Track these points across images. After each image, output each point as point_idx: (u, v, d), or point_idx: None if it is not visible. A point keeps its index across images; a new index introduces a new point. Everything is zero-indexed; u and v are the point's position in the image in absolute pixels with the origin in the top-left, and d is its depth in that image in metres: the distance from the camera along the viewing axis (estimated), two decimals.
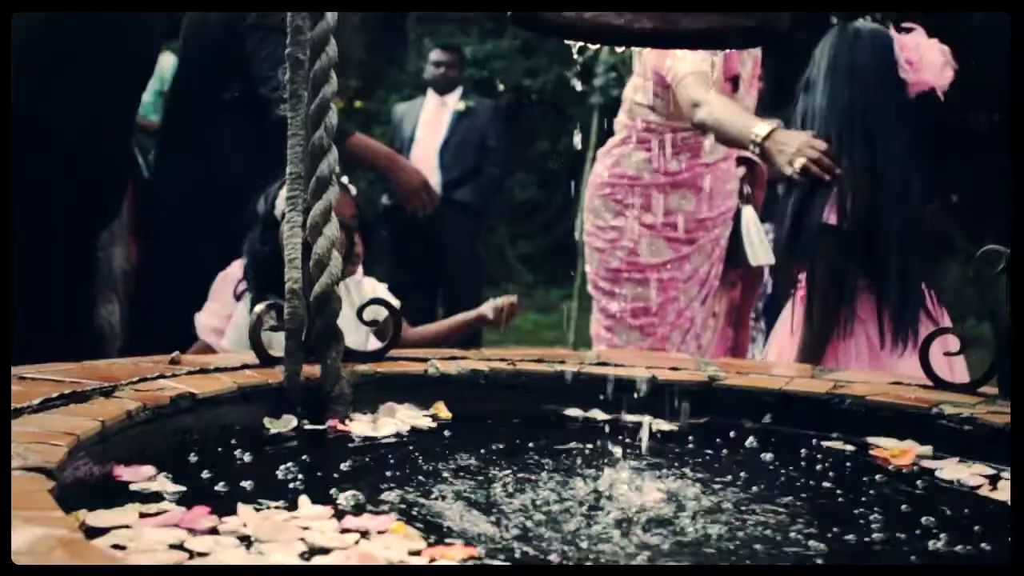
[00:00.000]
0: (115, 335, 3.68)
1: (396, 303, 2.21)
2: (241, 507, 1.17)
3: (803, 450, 1.67)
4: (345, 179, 2.26)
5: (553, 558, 1.09)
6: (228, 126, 3.36)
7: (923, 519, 1.32)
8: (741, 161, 3.41)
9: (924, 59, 2.60)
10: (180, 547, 1.07)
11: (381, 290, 2.23)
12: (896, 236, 2.62)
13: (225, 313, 2.74)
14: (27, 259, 2.70)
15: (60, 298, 3.00)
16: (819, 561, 1.15)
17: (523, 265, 10.02)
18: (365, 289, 2.22)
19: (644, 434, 1.57)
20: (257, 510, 1.18)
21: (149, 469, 1.34)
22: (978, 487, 1.50)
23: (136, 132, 3.91)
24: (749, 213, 3.36)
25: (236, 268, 2.78)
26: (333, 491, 1.29)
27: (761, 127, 2.76)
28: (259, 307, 1.78)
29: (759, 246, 3.36)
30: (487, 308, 2.26)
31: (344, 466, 1.46)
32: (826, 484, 1.50)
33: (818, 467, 1.59)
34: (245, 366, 1.78)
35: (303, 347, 1.72)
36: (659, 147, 3.22)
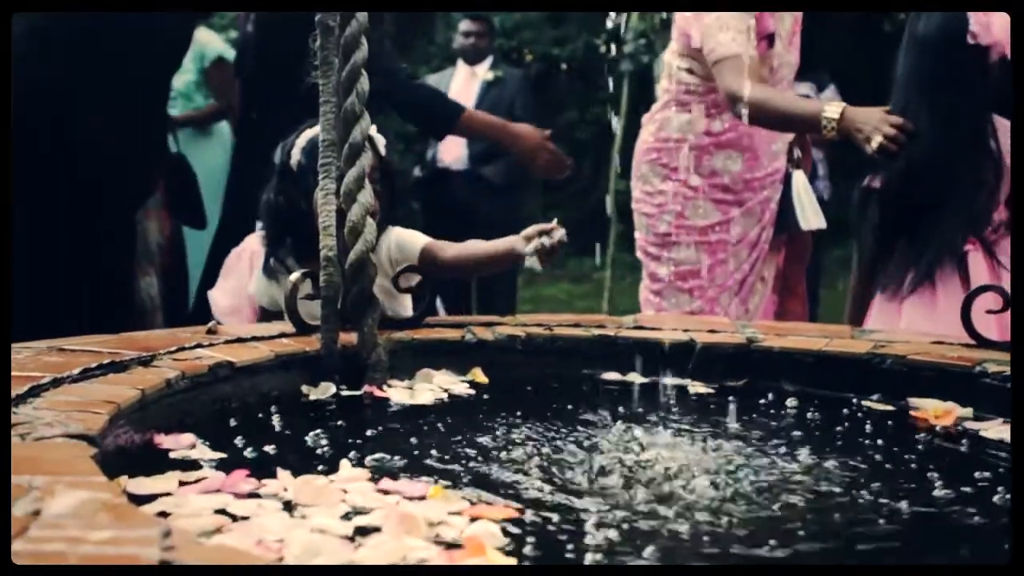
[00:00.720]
0: (155, 308, 3.72)
1: (426, 240, 2.18)
2: (280, 471, 1.17)
3: (844, 411, 1.65)
4: (374, 128, 2.23)
5: (592, 521, 1.08)
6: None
7: (976, 475, 1.30)
8: None
9: (995, 21, 2.56)
10: (224, 512, 1.07)
11: (412, 236, 2.20)
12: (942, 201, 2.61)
13: (239, 290, 2.72)
14: (72, 234, 2.72)
15: (105, 271, 3.02)
16: (882, 523, 1.13)
17: None
18: (394, 239, 2.19)
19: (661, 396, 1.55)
20: (296, 475, 1.17)
21: (189, 437, 1.34)
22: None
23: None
24: (799, 176, 3.29)
25: (249, 244, 2.77)
26: (371, 455, 1.29)
27: (831, 109, 2.74)
28: (294, 275, 1.78)
29: (809, 209, 3.31)
30: (517, 241, 2.03)
31: (381, 432, 1.46)
32: (872, 444, 1.48)
33: (862, 427, 1.57)
34: (282, 335, 1.78)
35: (339, 314, 1.72)
36: (700, 108, 3.20)
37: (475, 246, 2.12)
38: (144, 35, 2.97)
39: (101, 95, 2.90)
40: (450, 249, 2.14)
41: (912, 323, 2.52)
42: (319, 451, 1.33)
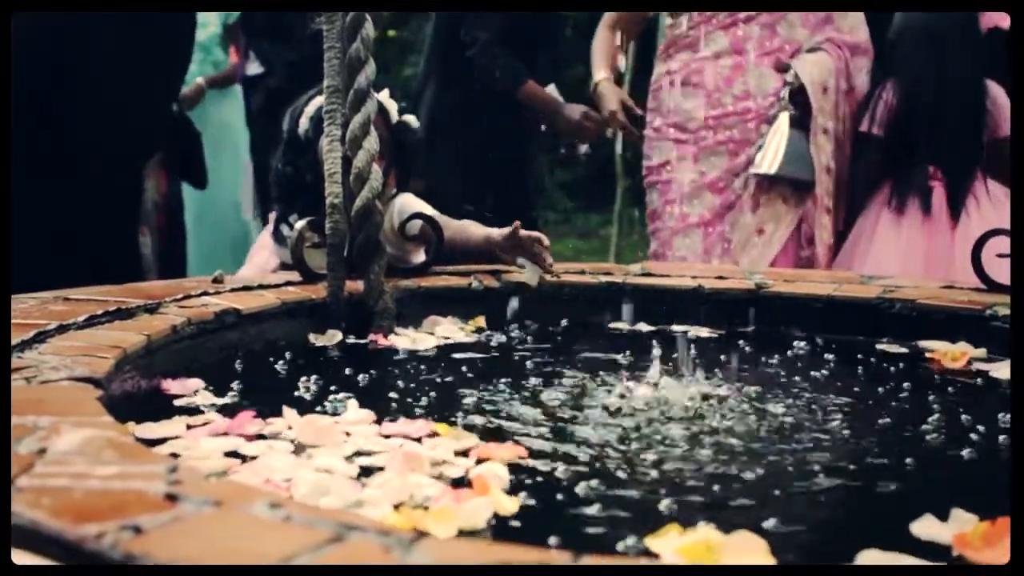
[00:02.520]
0: (150, 267, 3.74)
1: (432, 211, 2.16)
2: (286, 410, 1.17)
3: (858, 355, 1.64)
4: (386, 92, 2.21)
5: (595, 461, 1.07)
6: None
7: (1000, 415, 1.29)
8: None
9: None
10: (234, 453, 1.06)
11: (418, 204, 2.18)
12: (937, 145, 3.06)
13: (267, 267, 2.71)
14: (74, 190, 2.72)
15: (108, 227, 3.02)
16: (909, 461, 1.12)
17: (561, 191, 9.95)
18: (400, 205, 2.18)
19: (653, 354, 1.53)
20: (303, 410, 1.17)
21: (196, 382, 1.34)
22: None
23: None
24: (781, 119, 3.20)
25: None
26: (375, 399, 1.29)
27: (599, 74, 3.23)
28: (300, 224, 1.77)
29: (771, 153, 3.24)
30: (495, 236, 2.04)
31: (386, 377, 1.46)
32: (888, 385, 1.46)
33: (879, 370, 1.56)
34: (288, 283, 1.77)
35: (345, 262, 1.71)
36: (661, 47, 3.24)
37: (465, 230, 2.09)
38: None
39: (108, 50, 2.89)
40: (452, 226, 2.11)
41: (882, 245, 3.02)
42: (324, 396, 1.32)
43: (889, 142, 3.08)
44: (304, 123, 2.17)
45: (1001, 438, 1.19)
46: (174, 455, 1.05)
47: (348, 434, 1.12)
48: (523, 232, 1.94)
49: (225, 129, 4.58)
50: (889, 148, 3.09)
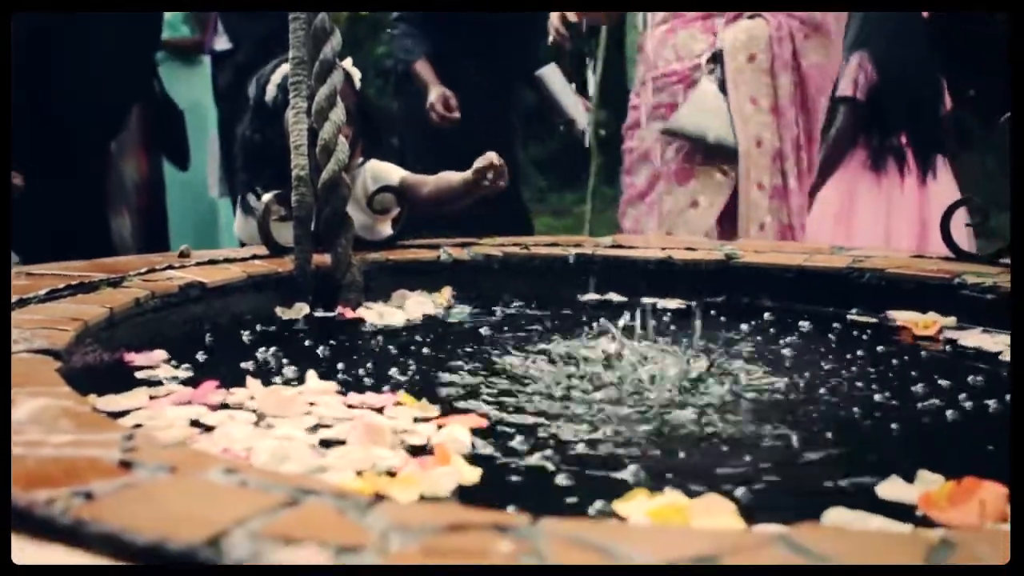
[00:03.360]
0: (128, 249, 3.70)
1: (403, 172, 2.16)
2: (250, 380, 1.16)
3: (830, 324, 1.64)
4: (349, 61, 2.19)
5: (561, 431, 1.06)
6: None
7: (970, 379, 1.30)
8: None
9: None
10: (197, 423, 1.05)
11: (388, 168, 2.17)
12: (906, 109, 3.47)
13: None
14: (40, 166, 2.70)
15: (74, 205, 3.00)
16: (878, 426, 1.12)
17: (535, 169, 9.91)
18: (370, 171, 2.17)
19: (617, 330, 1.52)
20: (267, 381, 1.16)
21: (160, 354, 1.32)
22: (998, 352, 1.47)
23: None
24: (701, 82, 3.16)
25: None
26: (339, 370, 1.28)
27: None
28: (267, 196, 1.75)
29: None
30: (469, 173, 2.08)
31: (352, 350, 1.45)
32: (859, 354, 1.46)
33: (849, 338, 1.56)
34: (255, 256, 1.75)
35: (312, 235, 1.69)
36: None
37: (448, 177, 2.08)
38: None
39: (77, 25, 2.87)
40: (430, 181, 2.10)
41: (862, 204, 3.42)
42: (288, 368, 1.30)
43: (864, 108, 3.39)
44: (271, 90, 2.14)
45: (969, 404, 1.19)
46: (137, 426, 1.04)
47: (312, 404, 1.11)
48: (493, 155, 1.94)
49: (193, 107, 4.53)
50: (864, 114, 3.40)
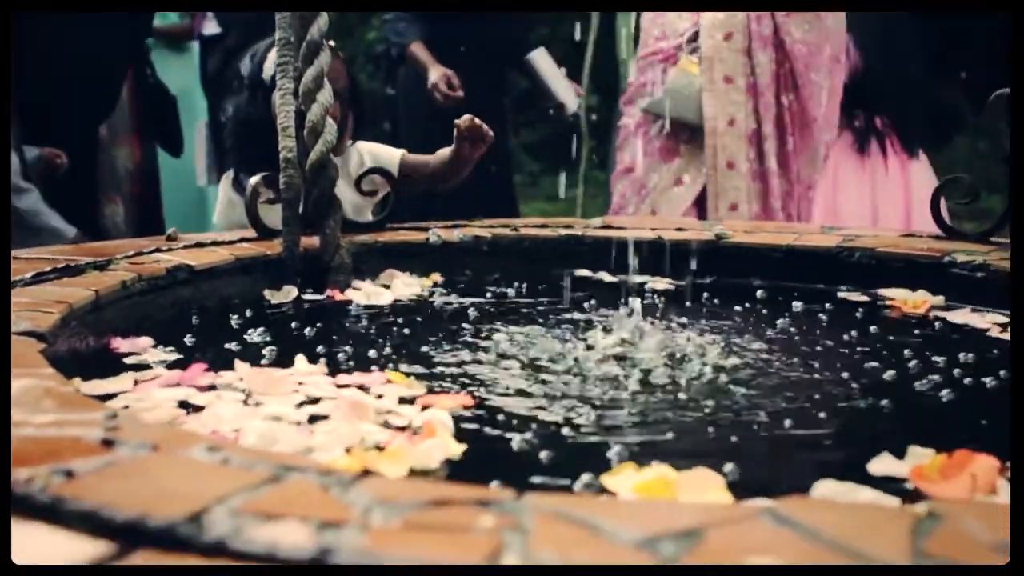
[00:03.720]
0: (120, 234, 3.69)
1: (402, 152, 2.17)
2: (239, 363, 1.15)
3: (818, 303, 1.63)
4: (332, 43, 2.19)
5: (547, 409, 1.06)
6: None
7: (961, 356, 1.29)
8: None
9: None
10: (185, 404, 1.04)
11: (385, 149, 2.17)
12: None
13: None
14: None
15: (69, 186, 3.01)
16: (870, 404, 1.12)
17: (527, 154, 9.88)
18: (367, 151, 2.17)
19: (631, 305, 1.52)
20: (255, 363, 1.15)
21: (146, 340, 1.31)
22: (987, 329, 1.47)
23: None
24: (681, 60, 3.17)
25: None
26: (327, 351, 1.27)
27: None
28: (254, 179, 1.74)
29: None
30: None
31: (341, 332, 1.44)
32: (849, 332, 1.45)
33: (841, 316, 1.56)
34: (243, 239, 1.75)
35: (300, 217, 1.68)
36: None
37: (443, 153, 2.09)
38: None
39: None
40: (430, 160, 2.11)
41: (847, 185, 3.46)
42: (277, 350, 1.30)
43: (849, 91, 3.36)
44: (269, 67, 2.12)
45: (959, 381, 1.19)
46: (124, 407, 1.03)
47: (300, 384, 1.11)
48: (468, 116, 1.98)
49: (182, 94, 4.51)
50: (849, 97, 3.39)
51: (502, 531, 0.56)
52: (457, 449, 0.90)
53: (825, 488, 0.81)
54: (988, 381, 1.18)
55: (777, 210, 3.04)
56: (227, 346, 1.31)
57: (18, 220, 2.83)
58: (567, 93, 4.03)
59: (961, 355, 1.29)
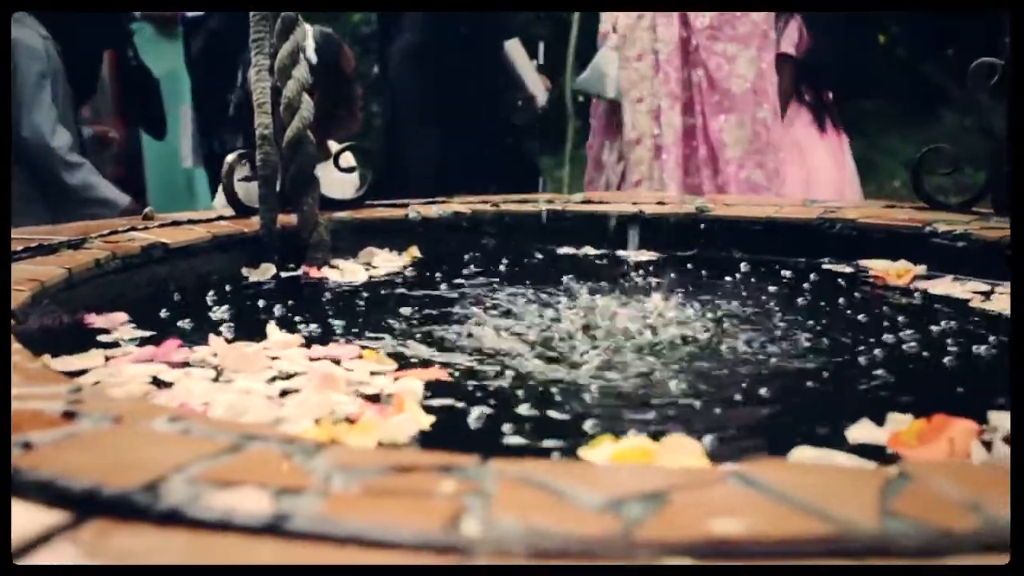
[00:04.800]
0: (103, 218, 3.68)
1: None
2: (212, 338, 1.14)
3: (800, 274, 1.63)
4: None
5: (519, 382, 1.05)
6: None
7: (943, 324, 1.30)
8: None
9: None
10: (157, 380, 1.03)
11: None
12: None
13: None
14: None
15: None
16: (853, 372, 1.11)
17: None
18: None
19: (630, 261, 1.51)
20: (229, 341, 1.14)
21: (120, 316, 1.30)
22: (967, 299, 1.47)
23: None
24: (608, 43, 3.25)
25: None
26: (301, 326, 1.26)
27: None
28: (231, 156, 1.73)
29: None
30: None
31: (317, 306, 1.43)
32: (832, 302, 1.45)
33: (825, 287, 1.56)
34: (220, 217, 1.73)
35: (278, 194, 1.67)
36: None
37: None
38: None
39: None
40: None
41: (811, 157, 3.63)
42: (250, 326, 1.28)
43: (804, 67, 3.64)
44: None
45: (940, 349, 1.19)
46: (95, 383, 1.02)
47: (274, 358, 1.10)
48: None
49: (168, 77, 4.47)
50: (804, 73, 3.65)
51: (463, 496, 0.55)
52: (427, 422, 0.89)
53: (801, 455, 0.81)
54: (967, 349, 1.18)
55: (697, 185, 3.12)
56: (201, 322, 1.30)
57: (69, 196, 2.93)
58: (536, 86, 4.06)
59: (943, 324, 1.29)
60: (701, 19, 3.08)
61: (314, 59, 2.32)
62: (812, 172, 3.56)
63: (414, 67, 3.69)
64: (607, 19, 3.28)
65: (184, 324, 1.29)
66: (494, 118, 3.86)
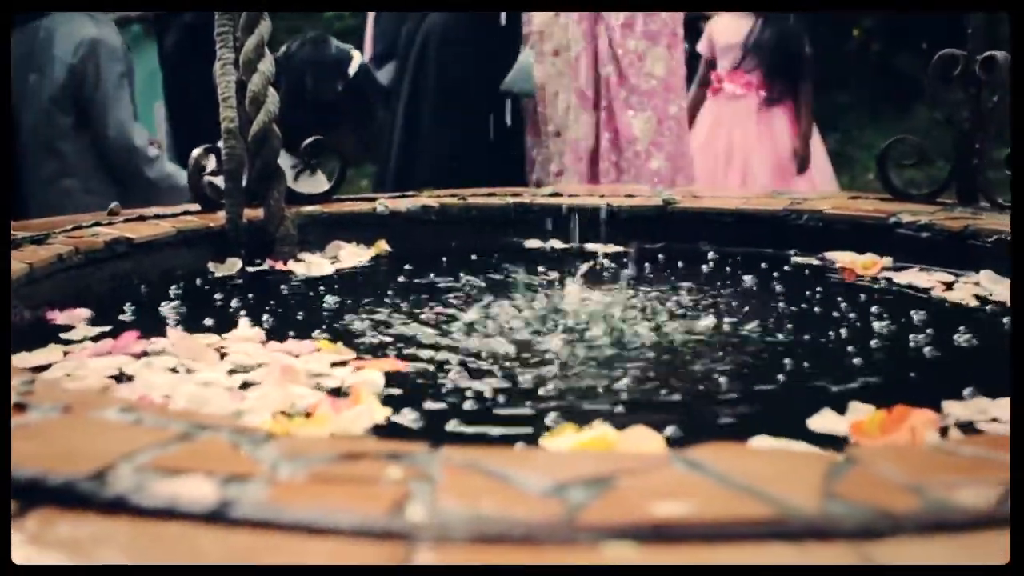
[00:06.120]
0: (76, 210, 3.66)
1: None
2: (171, 330, 1.13)
3: (767, 265, 1.64)
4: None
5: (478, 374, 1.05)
6: None
7: (914, 315, 1.30)
8: None
9: None
10: (119, 375, 1.03)
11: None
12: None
13: None
14: None
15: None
16: (819, 363, 1.12)
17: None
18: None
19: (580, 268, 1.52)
20: (189, 332, 1.14)
21: (82, 311, 1.29)
22: (930, 288, 1.48)
23: None
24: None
25: None
26: (263, 319, 1.26)
27: None
28: (196, 151, 1.72)
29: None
30: None
31: (278, 299, 1.43)
32: (800, 293, 1.45)
33: (787, 279, 1.56)
34: (186, 212, 1.72)
35: (243, 188, 1.66)
36: None
37: None
38: None
39: None
40: None
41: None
42: (214, 319, 1.28)
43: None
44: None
45: (905, 339, 1.20)
46: (57, 377, 1.02)
47: (227, 353, 1.10)
48: None
49: (152, 76, 4.42)
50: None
51: (408, 482, 0.55)
52: (384, 414, 0.89)
53: (759, 443, 0.81)
54: (929, 339, 1.18)
55: (606, 177, 3.19)
56: (163, 315, 1.30)
57: (150, 188, 2.99)
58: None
59: (905, 314, 1.30)
60: (614, 16, 3.15)
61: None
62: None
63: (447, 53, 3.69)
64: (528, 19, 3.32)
65: (146, 319, 1.29)
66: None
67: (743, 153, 4.20)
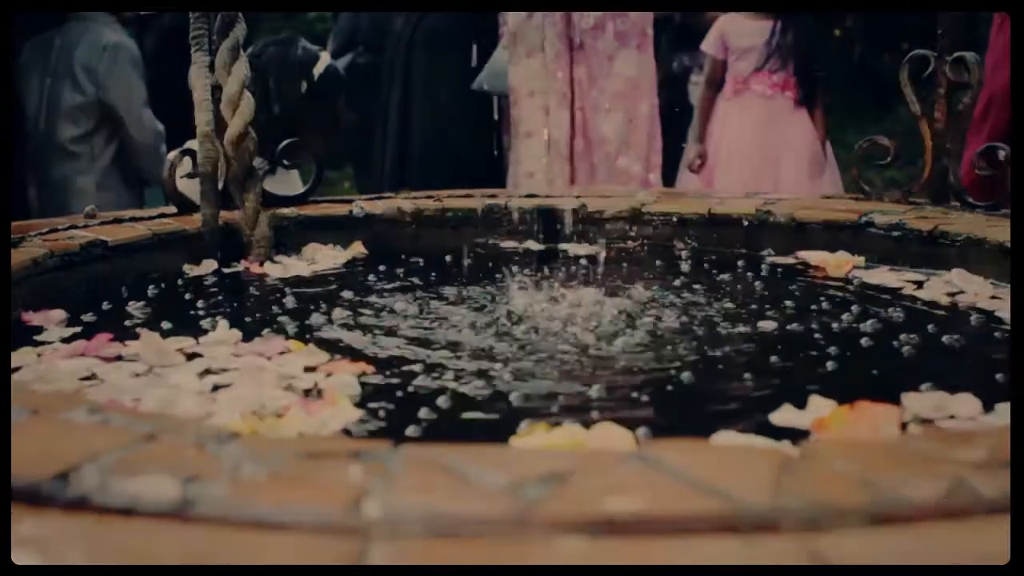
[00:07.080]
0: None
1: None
2: (143, 333, 1.14)
3: (739, 266, 1.65)
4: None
5: (451, 375, 1.06)
6: None
7: (884, 312, 1.32)
8: None
9: None
10: (90, 377, 1.03)
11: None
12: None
13: None
14: None
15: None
16: (787, 361, 1.13)
17: None
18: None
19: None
20: (162, 334, 1.14)
21: (57, 313, 1.30)
22: (900, 288, 1.49)
23: None
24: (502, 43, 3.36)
25: None
26: (238, 323, 1.26)
27: None
28: (172, 154, 1.73)
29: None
30: None
31: (252, 301, 1.44)
32: (772, 293, 1.47)
33: (759, 280, 1.57)
34: (163, 215, 1.73)
35: (218, 191, 1.67)
36: None
37: None
38: None
39: None
40: None
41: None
42: (187, 321, 1.28)
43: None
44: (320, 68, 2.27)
45: (877, 335, 1.21)
46: (28, 380, 1.02)
47: (200, 355, 1.10)
48: None
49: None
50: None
51: (368, 479, 0.56)
52: (355, 415, 0.90)
53: (722, 439, 0.82)
54: (896, 335, 1.20)
55: (581, 177, 3.23)
56: (137, 320, 1.30)
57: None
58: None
59: (874, 312, 1.32)
60: (586, 18, 3.18)
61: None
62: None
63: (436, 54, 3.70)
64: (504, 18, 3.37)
65: (119, 321, 1.29)
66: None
67: (776, 153, 4.12)
